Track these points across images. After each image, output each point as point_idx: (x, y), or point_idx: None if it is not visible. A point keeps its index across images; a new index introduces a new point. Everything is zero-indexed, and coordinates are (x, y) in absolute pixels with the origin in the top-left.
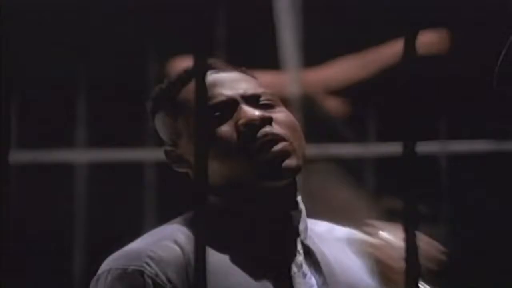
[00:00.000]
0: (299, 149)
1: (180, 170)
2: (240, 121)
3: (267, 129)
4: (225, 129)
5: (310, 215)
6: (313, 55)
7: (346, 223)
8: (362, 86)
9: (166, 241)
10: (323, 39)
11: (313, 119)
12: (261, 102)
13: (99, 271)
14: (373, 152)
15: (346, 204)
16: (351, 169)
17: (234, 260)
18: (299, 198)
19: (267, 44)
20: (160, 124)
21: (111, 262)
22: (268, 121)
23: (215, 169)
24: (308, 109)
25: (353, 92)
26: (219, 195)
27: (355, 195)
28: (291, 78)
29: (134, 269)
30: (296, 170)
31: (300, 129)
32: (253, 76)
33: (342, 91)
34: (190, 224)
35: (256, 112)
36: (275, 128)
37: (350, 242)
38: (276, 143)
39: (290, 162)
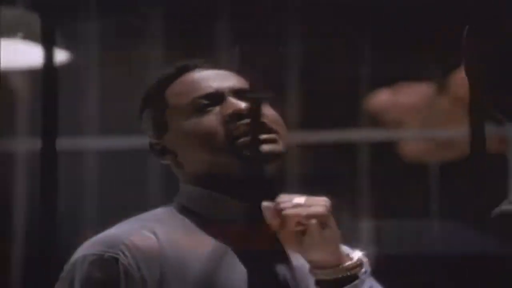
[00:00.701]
0: (283, 139)
1: (164, 161)
2: (227, 112)
3: (252, 119)
4: (212, 118)
5: None
6: None
7: None
8: None
9: (143, 229)
10: None
11: None
12: (249, 96)
13: (75, 256)
14: None
15: None
16: None
17: (215, 250)
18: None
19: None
20: (148, 119)
21: (88, 247)
22: (255, 112)
23: (201, 159)
24: None
25: None
26: (203, 184)
27: None
28: None
29: (110, 255)
30: (279, 154)
31: (284, 125)
32: (241, 75)
33: None
34: (170, 215)
35: (243, 104)
36: (261, 119)
37: None
38: (261, 131)
39: (274, 147)
